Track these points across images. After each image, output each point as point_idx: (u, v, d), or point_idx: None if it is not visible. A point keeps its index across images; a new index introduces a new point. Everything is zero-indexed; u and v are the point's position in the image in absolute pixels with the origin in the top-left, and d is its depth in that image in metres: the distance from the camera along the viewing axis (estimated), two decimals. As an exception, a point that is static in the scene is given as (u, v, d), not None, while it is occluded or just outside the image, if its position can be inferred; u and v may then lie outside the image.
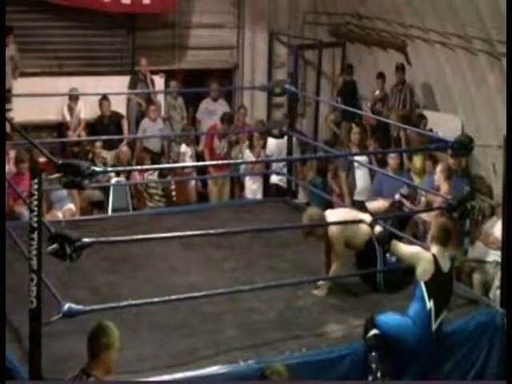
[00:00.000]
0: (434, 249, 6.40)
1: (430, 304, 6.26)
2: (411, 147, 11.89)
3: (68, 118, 12.97)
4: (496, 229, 8.99)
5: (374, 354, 6.26)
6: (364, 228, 7.11)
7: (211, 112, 13.62)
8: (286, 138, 10.74)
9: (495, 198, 10.38)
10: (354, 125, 12.17)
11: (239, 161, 12.03)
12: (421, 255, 6.39)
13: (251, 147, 12.40)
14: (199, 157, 12.84)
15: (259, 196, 12.05)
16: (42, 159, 9.12)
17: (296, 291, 7.31)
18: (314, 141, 12.79)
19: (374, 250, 7.29)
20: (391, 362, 6.37)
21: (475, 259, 9.37)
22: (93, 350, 4.80)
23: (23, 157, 10.63)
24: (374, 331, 6.31)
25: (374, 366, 6.23)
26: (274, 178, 11.90)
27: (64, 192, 10.50)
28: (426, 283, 6.26)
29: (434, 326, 6.31)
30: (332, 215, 7.45)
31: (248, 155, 12.38)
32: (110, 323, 4.90)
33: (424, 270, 6.28)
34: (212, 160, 12.40)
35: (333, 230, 7.29)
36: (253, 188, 12.10)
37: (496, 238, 8.84)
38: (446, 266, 6.39)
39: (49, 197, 10.72)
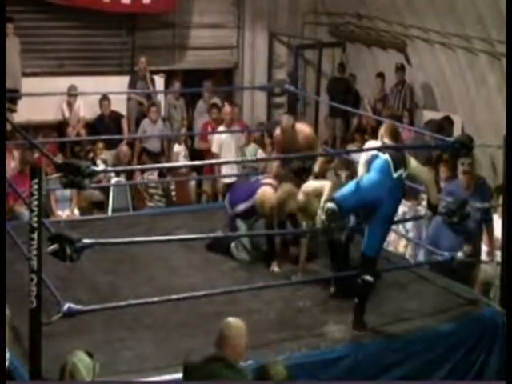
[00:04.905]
0: None
1: (385, 156, 6.52)
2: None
3: (67, 114, 13.00)
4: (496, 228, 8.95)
5: (333, 224, 6.62)
6: None
7: (203, 111, 13.62)
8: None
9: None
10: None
11: (238, 159, 11.97)
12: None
13: (263, 147, 12.39)
14: (195, 154, 12.83)
15: None
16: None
17: (296, 291, 7.31)
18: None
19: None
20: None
21: (475, 259, 9.34)
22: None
23: (28, 157, 10.65)
24: (330, 205, 6.48)
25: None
26: None
27: (66, 193, 10.56)
28: None
29: (394, 175, 6.50)
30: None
31: (261, 154, 12.38)
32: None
33: None
34: (208, 152, 12.40)
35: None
36: None
37: (496, 236, 8.80)
38: None
39: (54, 197, 10.79)
